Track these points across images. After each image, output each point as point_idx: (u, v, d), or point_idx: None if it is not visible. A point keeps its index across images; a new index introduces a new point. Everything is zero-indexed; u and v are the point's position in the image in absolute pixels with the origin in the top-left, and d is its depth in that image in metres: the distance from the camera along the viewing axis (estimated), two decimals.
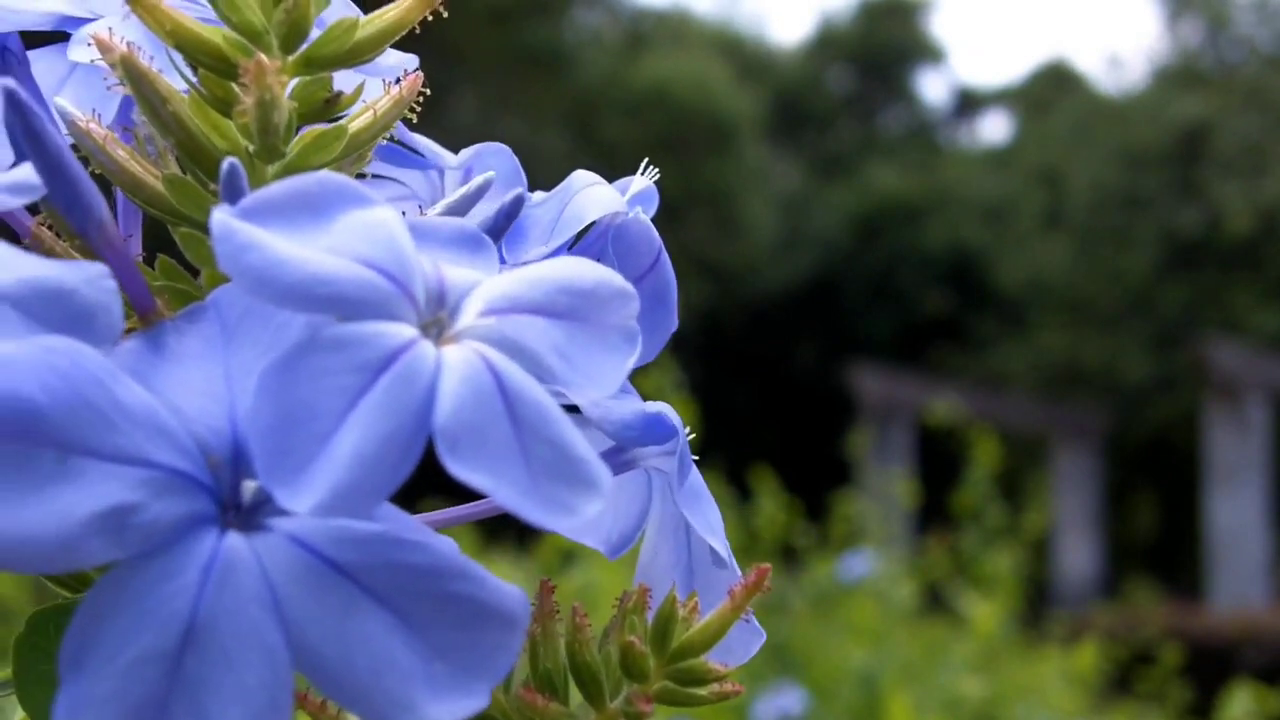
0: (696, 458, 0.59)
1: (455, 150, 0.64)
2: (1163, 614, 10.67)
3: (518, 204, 0.53)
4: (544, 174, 0.66)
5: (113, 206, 0.59)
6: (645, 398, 0.60)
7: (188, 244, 0.51)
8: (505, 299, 0.45)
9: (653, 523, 0.61)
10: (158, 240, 0.58)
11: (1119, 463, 17.05)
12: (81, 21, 0.58)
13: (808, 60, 23.35)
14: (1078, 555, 15.03)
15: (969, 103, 24.55)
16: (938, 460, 9.87)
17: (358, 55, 0.51)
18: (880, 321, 18.99)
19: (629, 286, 0.47)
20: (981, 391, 15.16)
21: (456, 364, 0.42)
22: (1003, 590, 5.62)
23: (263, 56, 0.46)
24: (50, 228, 0.53)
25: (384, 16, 0.53)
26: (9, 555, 0.39)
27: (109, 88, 0.53)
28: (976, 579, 5.83)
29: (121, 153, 0.52)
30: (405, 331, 0.42)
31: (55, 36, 0.62)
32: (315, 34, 0.50)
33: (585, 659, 0.51)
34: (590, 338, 0.46)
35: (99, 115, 0.53)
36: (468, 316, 0.44)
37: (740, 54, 21.92)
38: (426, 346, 0.42)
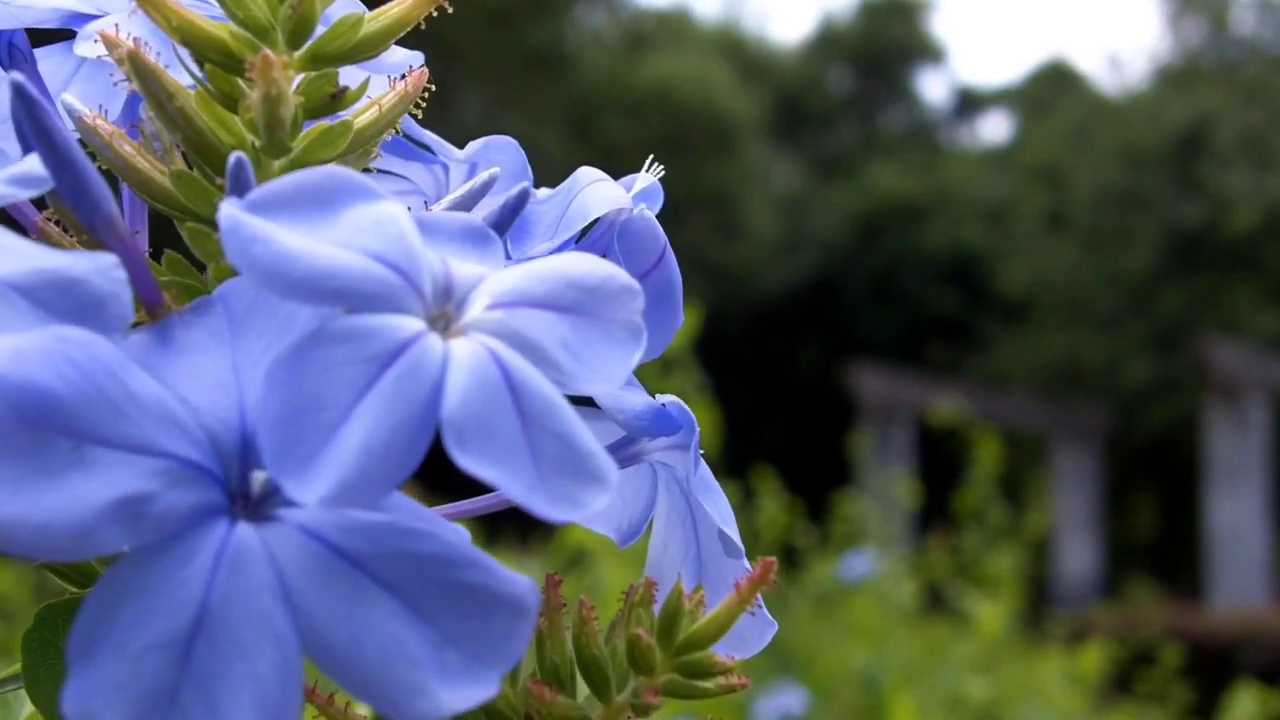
0: (703, 452, 0.60)
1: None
2: (1163, 614, 10.67)
3: (522, 198, 0.53)
4: (545, 174, 0.66)
5: (119, 203, 0.59)
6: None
7: (194, 239, 0.51)
8: (512, 293, 0.45)
9: (659, 516, 0.61)
10: (162, 236, 0.58)
11: (1119, 463, 17.04)
12: (88, 18, 0.58)
13: (808, 60, 23.35)
14: (1078, 555, 15.03)
15: (969, 103, 24.55)
16: (938, 460, 9.87)
17: (363, 51, 0.51)
18: (881, 322, 18.99)
19: (634, 282, 0.47)
20: (982, 392, 15.15)
21: (464, 357, 0.42)
22: (1004, 590, 5.62)
23: (269, 51, 0.46)
24: (58, 223, 0.53)
25: (388, 12, 0.53)
26: (26, 541, 0.39)
27: (115, 84, 0.53)
28: (978, 579, 5.83)
29: (128, 148, 0.52)
30: (413, 324, 0.43)
31: (61, 34, 0.62)
32: (320, 30, 0.51)
33: (592, 652, 0.51)
34: (596, 332, 0.46)
35: (105, 111, 0.53)
36: (475, 310, 0.45)
37: (741, 54, 21.93)
38: (434, 339, 0.43)
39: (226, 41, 0.49)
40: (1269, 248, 16.94)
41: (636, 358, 0.46)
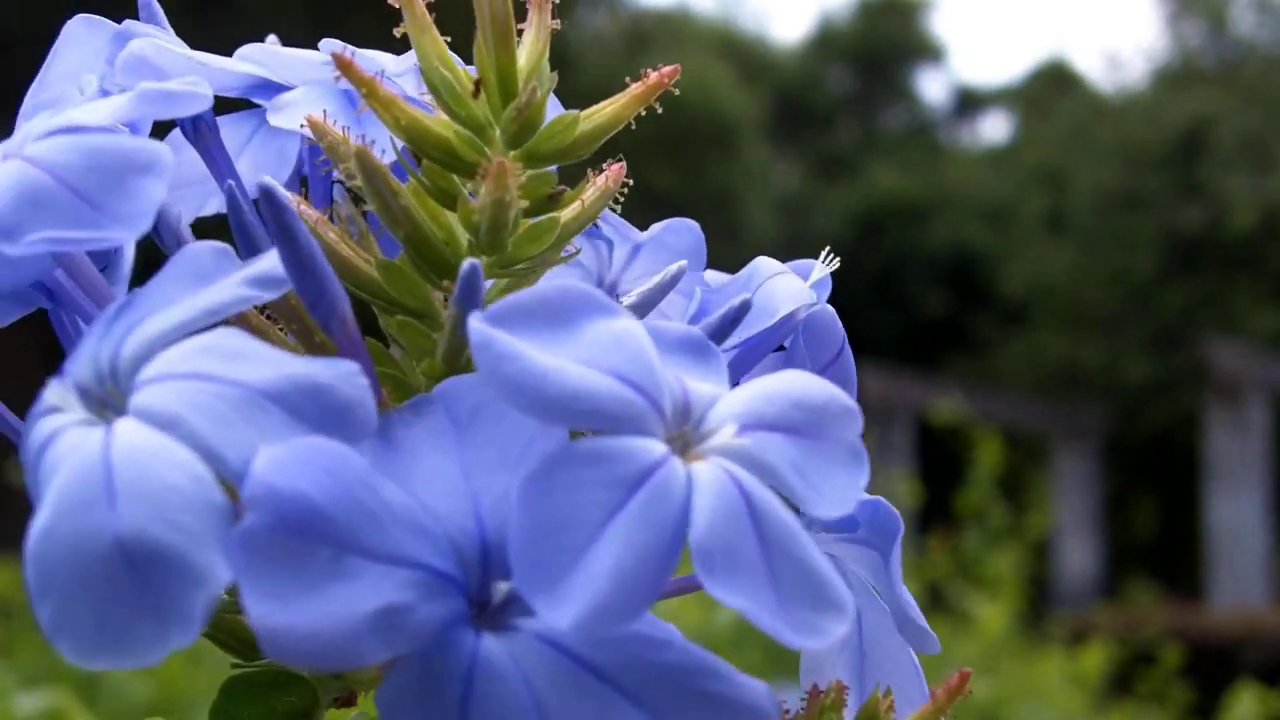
0: None
1: None
2: (1163, 614, 10.68)
3: (743, 310, 0.54)
4: None
5: None
6: None
7: (403, 332, 0.51)
8: (747, 415, 0.46)
9: None
10: None
11: (1119, 463, 17.06)
12: (277, 89, 0.59)
13: (808, 60, 23.35)
14: (1078, 555, 15.06)
15: (969, 102, 24.55)
16: (939, 460, 9.89)
17: (577, 150, 0.52)
18: (882, 322, 18.99)
19: (854, 404, 0.48)
20: (982, 392, 15.16)
21: (706, 481, 0.43)
22: (1005, 591, 5.64)
23: (504, 159, 0.47)
24: (262, 310, 0.53)
25: (601, 113, 0.54)
26: (293, 650, 0.39)
27: (324, 171, 0.53)
28: (979, 579, 5.84)
29: (332, 235, 0.52)
30: (657, 448, 0.43)
31: (236, 104, 0.63)
32: None
33: None
34: (822, 455, 0.46)
35: (306, 196, 0.54)
36: (724, 435, 0.45)
37: (741, 54, 21.90)
38: (677, 463, 0.43)
39: (451, 141, 0.49)
40: (1269, 248, 16.96)
41: (864, 482, 0.46)
